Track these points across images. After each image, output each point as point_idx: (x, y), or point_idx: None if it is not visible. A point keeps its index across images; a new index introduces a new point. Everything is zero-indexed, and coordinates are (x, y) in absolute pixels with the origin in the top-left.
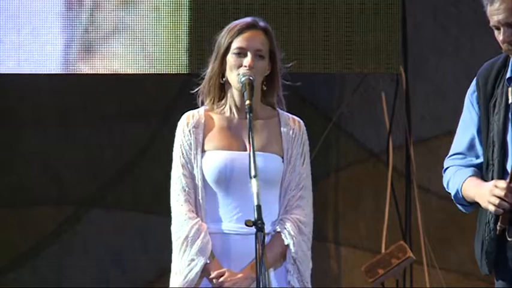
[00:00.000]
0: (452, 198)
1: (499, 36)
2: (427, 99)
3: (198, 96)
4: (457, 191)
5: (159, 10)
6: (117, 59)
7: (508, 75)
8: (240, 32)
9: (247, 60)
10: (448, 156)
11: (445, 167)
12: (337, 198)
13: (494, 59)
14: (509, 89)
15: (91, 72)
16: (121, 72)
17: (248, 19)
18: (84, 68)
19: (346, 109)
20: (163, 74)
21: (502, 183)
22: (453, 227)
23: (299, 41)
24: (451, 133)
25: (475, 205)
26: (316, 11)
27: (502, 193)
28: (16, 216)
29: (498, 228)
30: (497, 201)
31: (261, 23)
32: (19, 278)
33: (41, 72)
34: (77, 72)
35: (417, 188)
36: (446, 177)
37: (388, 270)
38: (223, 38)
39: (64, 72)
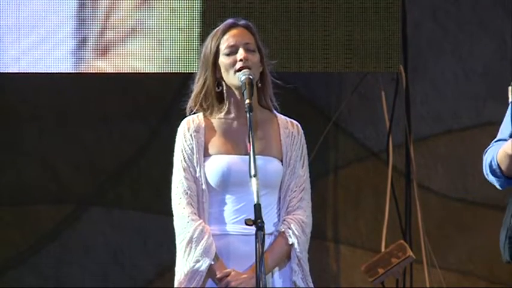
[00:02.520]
0: (488, 169)
1: None
2: (426, 98)
3: (188, 110)
4: (492, 158)
5: (173, 12)
6: (132, 58)
7: None
8: (224, 32)
9: (240, 54)
10: (493, 140)
11: (487, 148)
12: (336, 198)
13: None
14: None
15: (108, 71)
16: (136, 71)
17: (228, 20)
18: (100, 66)
19: (345, 108)
20: (175, 73)
21: None
22: (453, 226)
23: (299, 40)
24: (450, 132)
25: (509, 179)
26: (316, 10)
27: None
28: (15, 215)
29: None
30: None
31: (242, 21)
32: (18, 277)
33: (55, 72)
34: (92, 71)
35: (417, 187)
36: (485, 156)
37: (388, 269)
38: (208, 46)
39: (78, 72)
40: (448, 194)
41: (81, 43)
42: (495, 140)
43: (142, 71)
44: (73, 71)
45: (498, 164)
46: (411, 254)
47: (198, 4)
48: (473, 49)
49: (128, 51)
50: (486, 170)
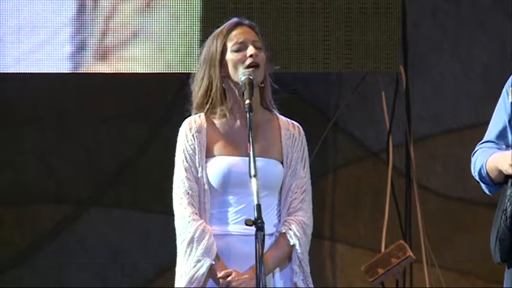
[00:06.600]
0: (477, 176)
1: None
2: (426, 98)
3: (190, 109)
4: (482, 166)
5: (174, 14)
6: (133, 61)
7: None
8: (230, 30)
9: (250, 50)
10: (479, 142)
11: (474, 150)
12: (336, 197)
13: None
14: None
15: (108, 72)
16: (137, 72)
17: (233, 19)
18: (100, 69)
19: (345, 108)
20: (176, 73)
21: None
22: (452, 225)
23: (299, 40)
24: (449, 132)
25: (497, 186)
26: (316, 10)
27: None
28: (15, 215)
29: None
30: None
31: (246, 21)
32: (18, 277)
33: (55, 72)
34: (92, 72)
35: (416, 187)
36: (473, 159)
37: (388, 269)
38: (213, 44)
39: (77, 72)
40: (448, 194)
41: (81, 46)
42: (483, 140)
43: (154, 72)
44: (82, 72)
45: (488, 173)
46: (411, 254)
47: (198, 6)
48: (473, 49)
49: (128, 55)
50: (475, 172)
